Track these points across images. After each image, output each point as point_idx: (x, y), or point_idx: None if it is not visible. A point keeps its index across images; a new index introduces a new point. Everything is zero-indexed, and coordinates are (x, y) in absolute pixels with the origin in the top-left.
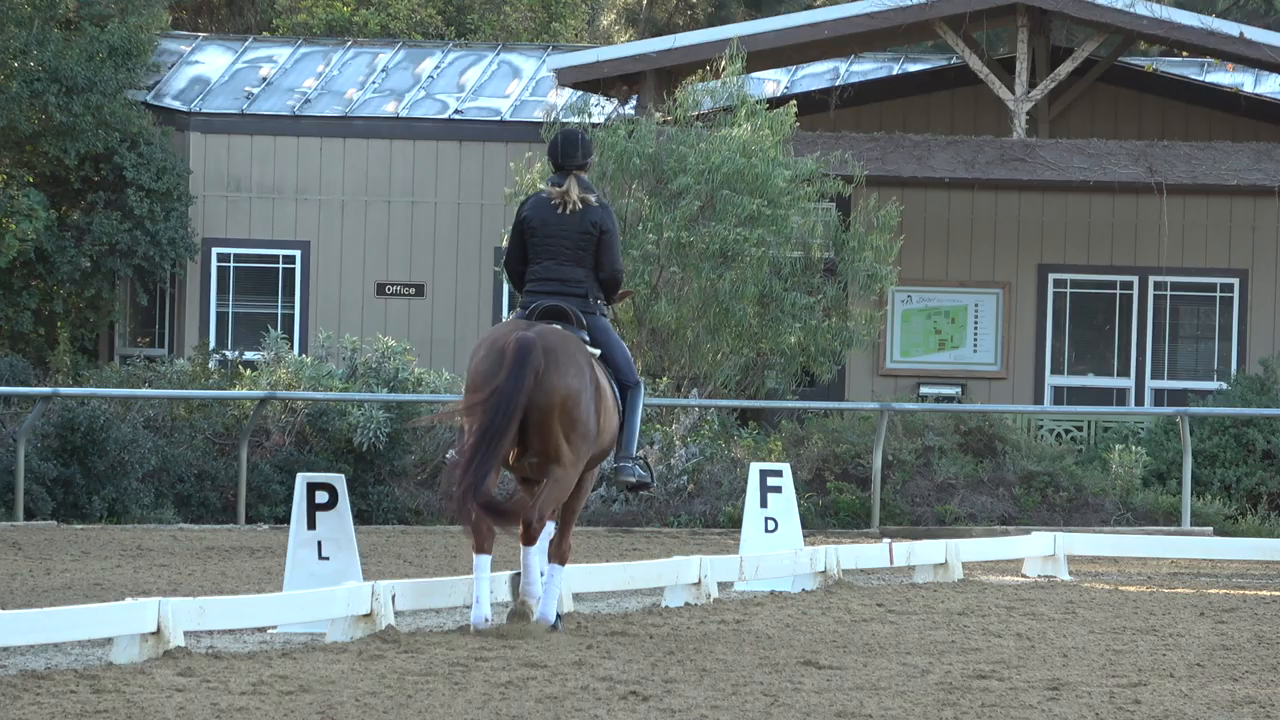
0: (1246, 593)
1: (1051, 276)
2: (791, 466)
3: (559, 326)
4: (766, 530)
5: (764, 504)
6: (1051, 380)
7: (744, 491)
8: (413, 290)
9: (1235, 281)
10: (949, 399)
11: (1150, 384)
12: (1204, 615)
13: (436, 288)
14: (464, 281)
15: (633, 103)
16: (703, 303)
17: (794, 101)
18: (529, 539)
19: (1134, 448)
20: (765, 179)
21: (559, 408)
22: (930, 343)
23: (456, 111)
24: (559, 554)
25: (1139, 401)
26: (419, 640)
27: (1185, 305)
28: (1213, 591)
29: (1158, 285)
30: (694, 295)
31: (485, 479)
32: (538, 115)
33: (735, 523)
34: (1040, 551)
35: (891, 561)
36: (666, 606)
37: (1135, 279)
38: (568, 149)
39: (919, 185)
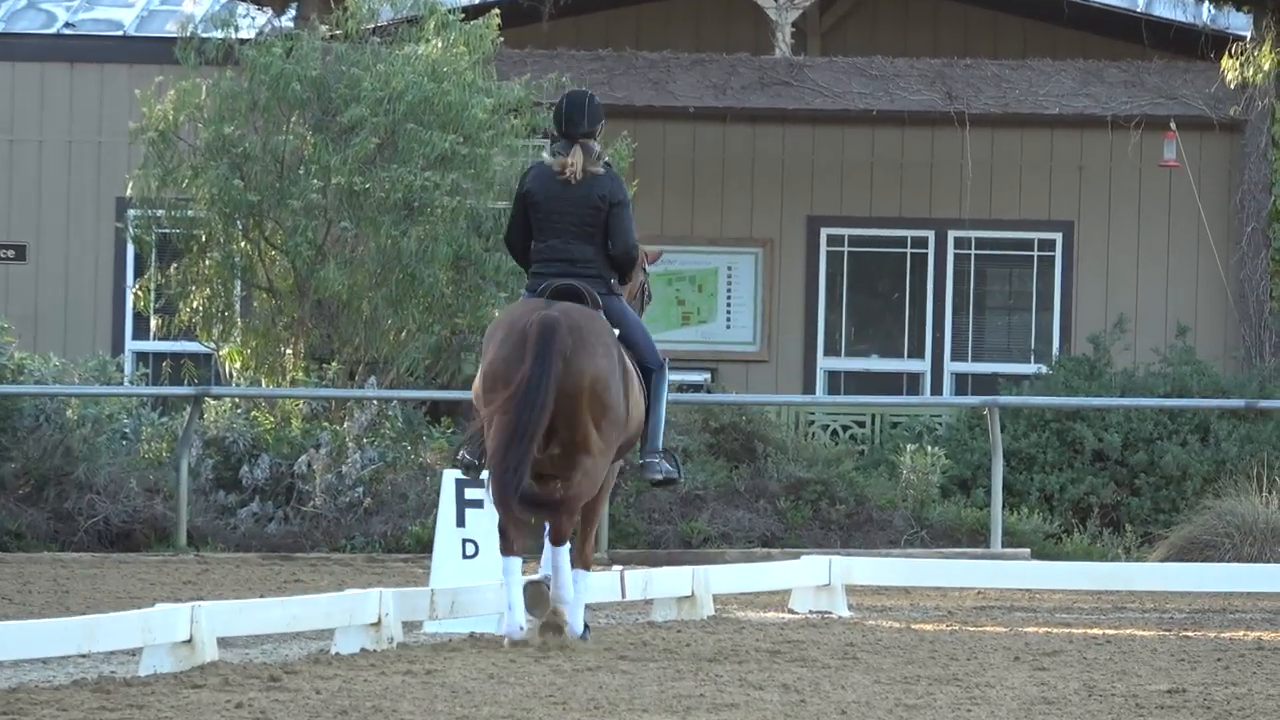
0: (1073, 631)
1: (825, 232)
2: None
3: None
4: (464, 555)
5: (461, 522)
6: (825, 364)
7: (435, 507)
8: (10, 253)
9: (1057, 237)
10: (695, 388)
11: (950, 367)
12: (1019, 660)
13: (42, 249)
14: (77, 241)
15: (291, 13)
16: (382, 267)
17: (497, 10)
18: (559, 538)
19: (930, 448)
20: (461, 110)
21: (588, 392)
22: (671, 316)
23: (67, 25)
24: (582, 559)
25: (936, 390)
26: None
27: (995, 268)
28: (1030, 630)
29: (959, 243)
30: (371, 257)
31: (523, 480)
32: (170, 29)
33: (425, 546)
34: (812, 581)
35: (623, 594)
36: (337, 653)
37: (931, 235)
38: (572, 115)
39: (657, 116)
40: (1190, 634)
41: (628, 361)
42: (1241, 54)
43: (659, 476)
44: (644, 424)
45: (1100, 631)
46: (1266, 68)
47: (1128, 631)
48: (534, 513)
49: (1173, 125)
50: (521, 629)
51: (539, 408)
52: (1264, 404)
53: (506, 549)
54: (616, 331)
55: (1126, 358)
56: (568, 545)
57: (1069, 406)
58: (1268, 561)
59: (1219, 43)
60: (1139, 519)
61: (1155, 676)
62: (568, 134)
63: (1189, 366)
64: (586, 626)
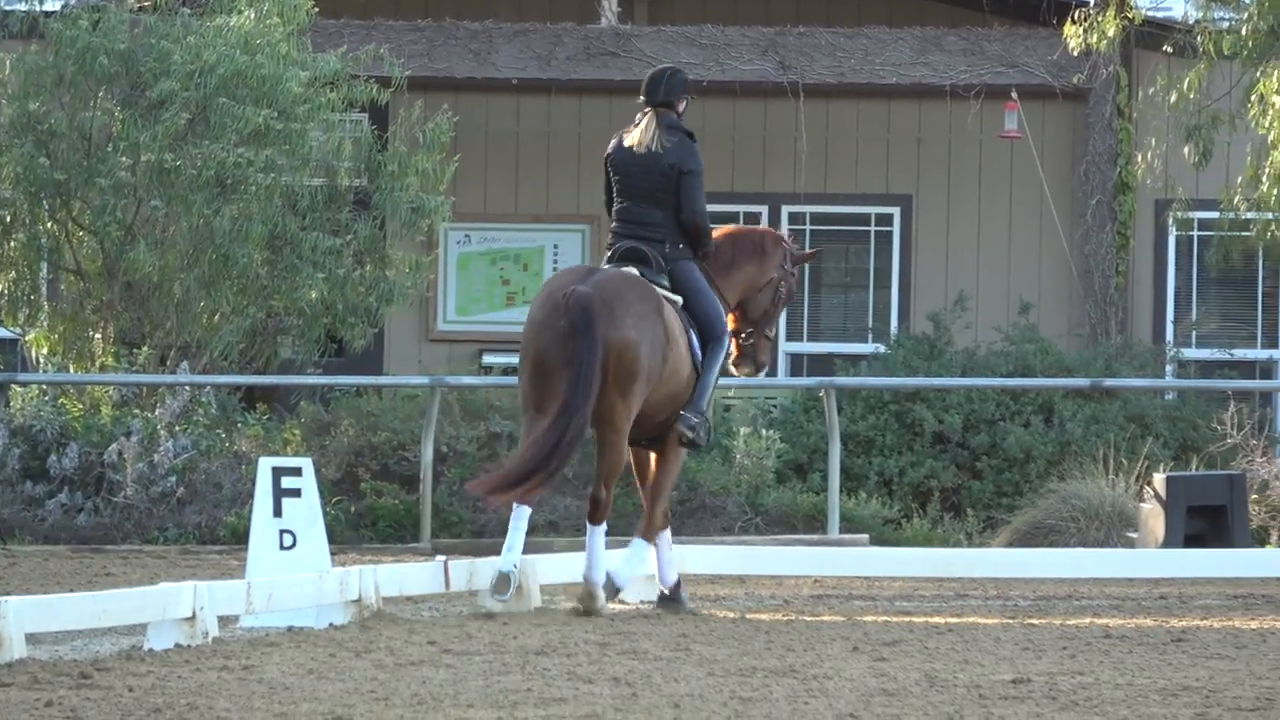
0: (914, 620)
1: None
2: (314, 462)
3: (631, 270)
4: (282, 547)
5: (278, 512)
6: None
7: (251, 496)
8: None
9: (895, 211)
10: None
11: (785, 347)
12: (858, 650)
13: None
14: None
15: None
16: (195, 247)
17: None
18: (598, 517)
19: (765, 431)
20: (275, 83)
21: (614, 364)
22: (496, 297)
23: None
24: (648, 529)
25: (771, 371)
26: None
27: (831, 243)
28: (869, 619)
29: (794, 218)
30: (183, 237)
31: (564, 465)
32: None
33: (240, 537)
34: (642, 570)
35: (448, 585)
36: (150, 649)
37: (764, 210)
38: (650, 85)
39: (479, 89)
40: (1035, 621)
41: (674, 326)
42: (1085, 20)
43: (689, 434)
44: (693, 386)
45: (942, 620)
46: (1111, 34)
47: (970, 619)
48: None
49: (1014, 95)
50: (515, 566)
51: (588, 385)
52: (1109, 383)
53: (593, 519)
54: (678, 299)
55: (967, 336)
56: (603, 526)
57: (908, 387)
58: (1114, 546)
59: (1061, 9)
60: (981, 503)
61: (999, 665)
62: (647, 103)
63: (1032, 345)
64: (670, 595)
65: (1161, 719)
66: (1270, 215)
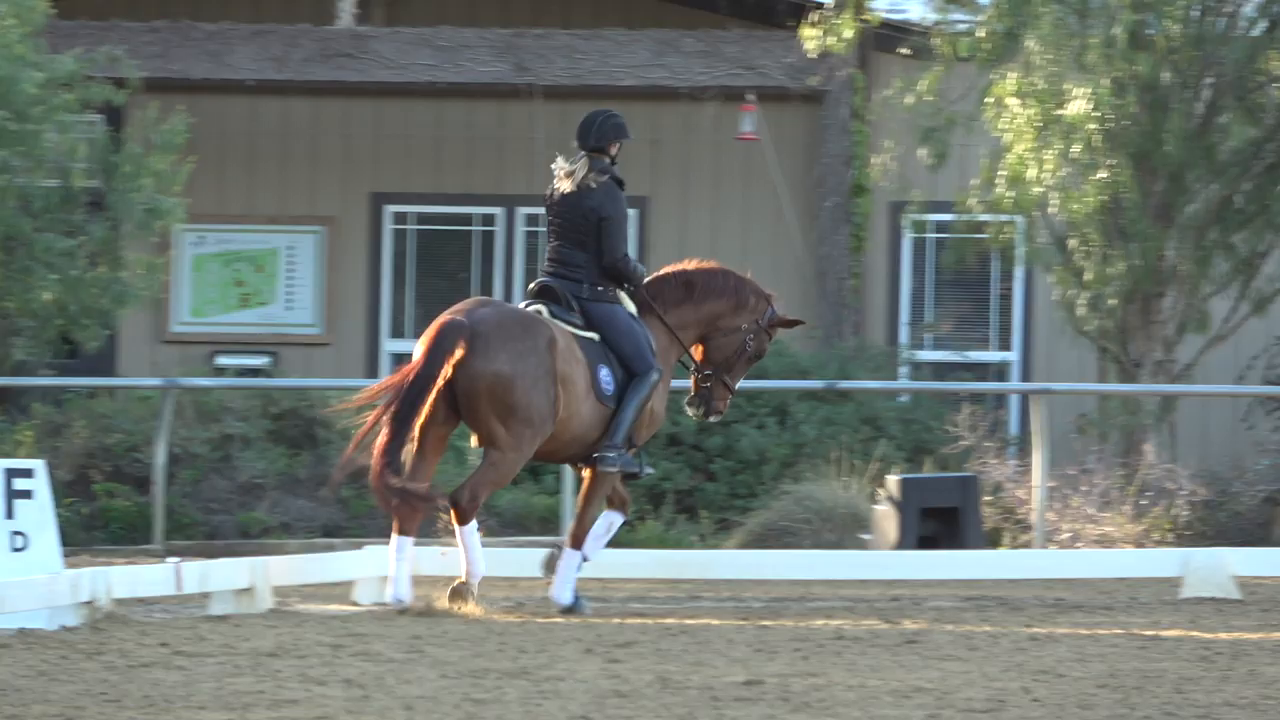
0: (647, 621)
1: (389, 209)
2: (47, 464)
3: (534, 306)
4: (13, 549)
5: (9, 514)
6: (390, 346)
7: None
8: None
9: (632, 214)
10: (255, 372)
11: None
12: (591, 652)
13: None
14: None
15: None
16: None
17: None
18: (460, 518)
19: None
20: (10, 85)
21: (484, 393)
22: (230, 298)
23: None
24: (574, 538)
25: None
26: None
27: None
28: (603, 620)
29: (530, 219)
30: None
31: (395, 462)
32: None
33: None
34: (376, 572)
35: (180, 587)
36: None
37: (501, 211)
38: (582, 130)
39: (216, 90)
40: (768, 623)
41: (569, 364)
42: (822, 22)
43: (606, 469)
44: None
45: (675, 621)
46: (848, 36)
47: (704, 621)
48: (401, 501)
49: (750, 97)
50: (400, 600)
51: (412, 402)
52: (844, 385)
53: (399, 528)
54: (593, 335)
55: None
56: (473, 524)
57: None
58: (848, 548)
59: (798, 11)
60: (715, 504)
61: (732, 667)
62: (580, 147)
63: None
64: (578, 599)
65: None
66: (1005, 218)
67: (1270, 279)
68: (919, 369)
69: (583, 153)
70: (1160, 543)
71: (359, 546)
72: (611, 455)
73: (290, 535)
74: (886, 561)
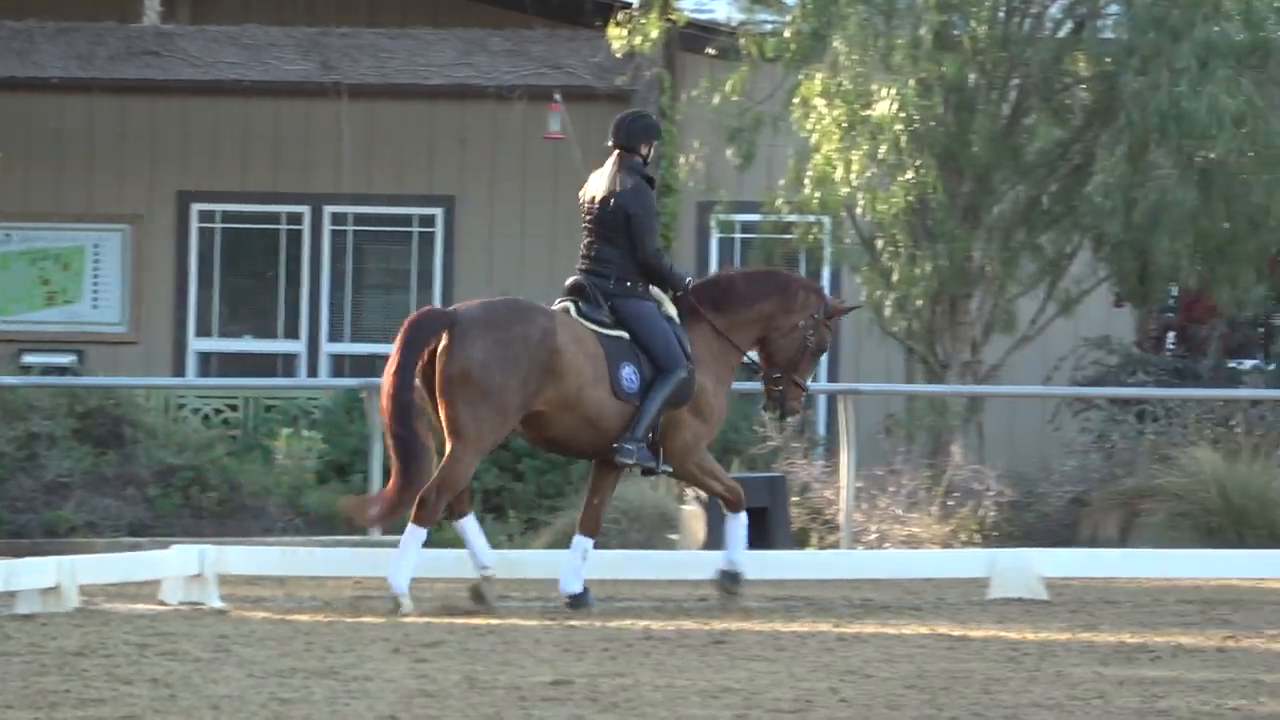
0: (455, 621)
1: (196, 208)
2: None
3: (564, 303)
4: None
5: None
6: (197, 345)
7: None
8: None
9: (439, 212)
10: (61, 370)
11: (327, 348)
12: (399, 652)
13: None
14: None
15: None
16: None
17: None
18: (421, 518)
19: (307, 432)
20: None
21: (457, 377)
22: (36, 296)
23: None
24: (584, 525)
25: (313, 371)
26: None
27: (374, 244)
28: (410, 620)
29: (337, 218)
30: None
31: (414, 470)
32: None
33: None
34: (183, 570)
35: None
36: None
37: (307, 210)
38: (614, 130)
39: (21, 88)
40: (575, 623)
41: (570, 354)
42: (628, 22)
43: (629, 461)
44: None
45: (483, 621)
46: (654, 36)
47: (511, 621)
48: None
49: (557, 96)
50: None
51: (399, 393)
52: None
53: (418, 519)
54: (623, 334)
55: None
56: (469, 517)
57: None
58: (656, 548)
59: (605, 10)
60: (524, 504)
61: (539, 667)
62: (612, 146)
63: None
64: (586, 592)
65: None
66: (812, 218)
67: (1077, 280)
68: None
69: (615, 153)
70: (967, 543)
71: (165, 546)
72: (629, 448)
73: (97, 534)
74: (694, 562)
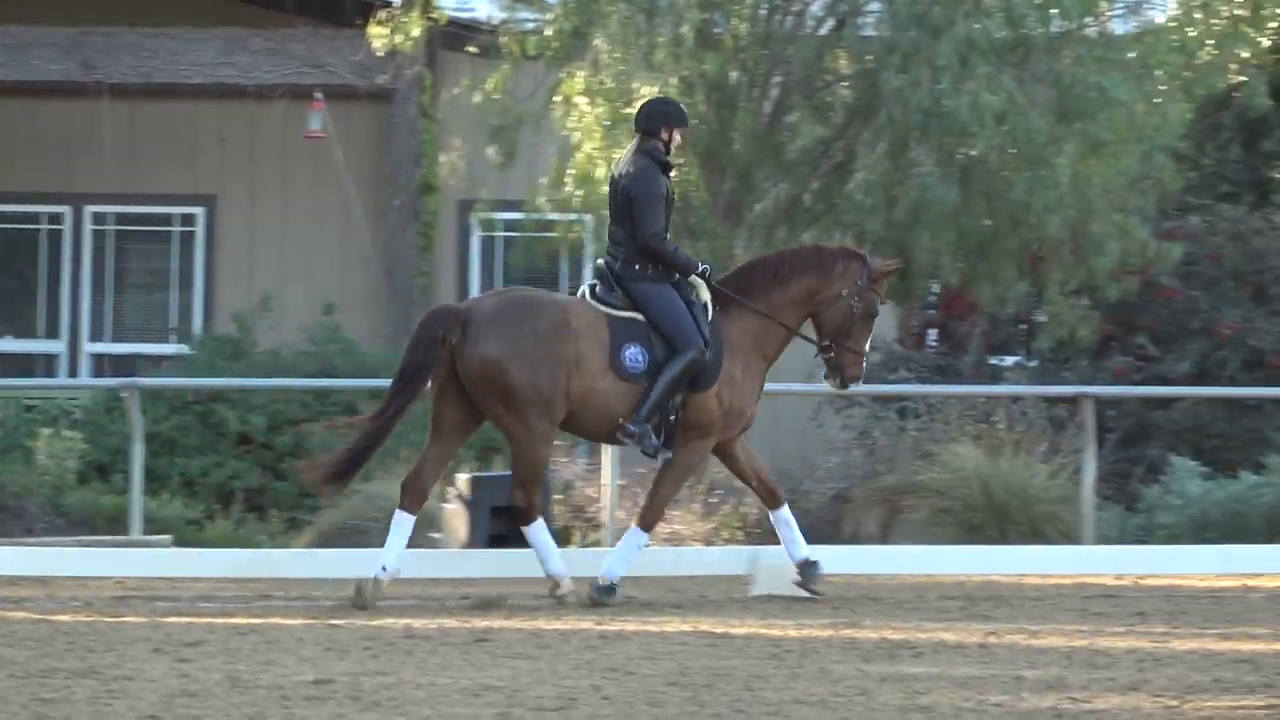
0: (216, 621)
1: None
2: None
3: (586, 286)
4: None
5: None
6: None
7: None
8: None
9: (200, 211)
10: None
11: (88, 348)
12: (161, 651)
13: None
14: None
15: None
16: None
17: None
18: (526, 518)
19: (68, 432)
20: None
21: (479, 377)
22: None
23: None
24: (643, 519)
25: (73, 371)
26: None
27: (135, 244)
28: (172, 620)
29: (98, 218)
30: None
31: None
32: None
33: None
34: None
35: None
36: None
37: (68, 210)
38: (636, 115)
39: None
40: (338, 622)
41: (580, 339)
42: (389, 20)
43: (626, 441)
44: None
45: (245, 620)
46: (416, 34)
47: (273, 620)
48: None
49: (318, 95)
50: (385, 570)
51: (404, 391)
52: None
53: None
54: (636, 315)
55: (273, 338)
56: (538, 522)
57: (211, 387)
58: (418, 546)
59: (366, 9)
60: (285, 504)
61: (301, 666)
62: (635, 130)
63: (337, 345)
64: (614, 586)
65: (464, 719)
66: (574, 216)
67: None
68: None
69: (636, 137)
70: (730, 541)
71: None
72: (631, 429)
73: None
74: (456, 560)
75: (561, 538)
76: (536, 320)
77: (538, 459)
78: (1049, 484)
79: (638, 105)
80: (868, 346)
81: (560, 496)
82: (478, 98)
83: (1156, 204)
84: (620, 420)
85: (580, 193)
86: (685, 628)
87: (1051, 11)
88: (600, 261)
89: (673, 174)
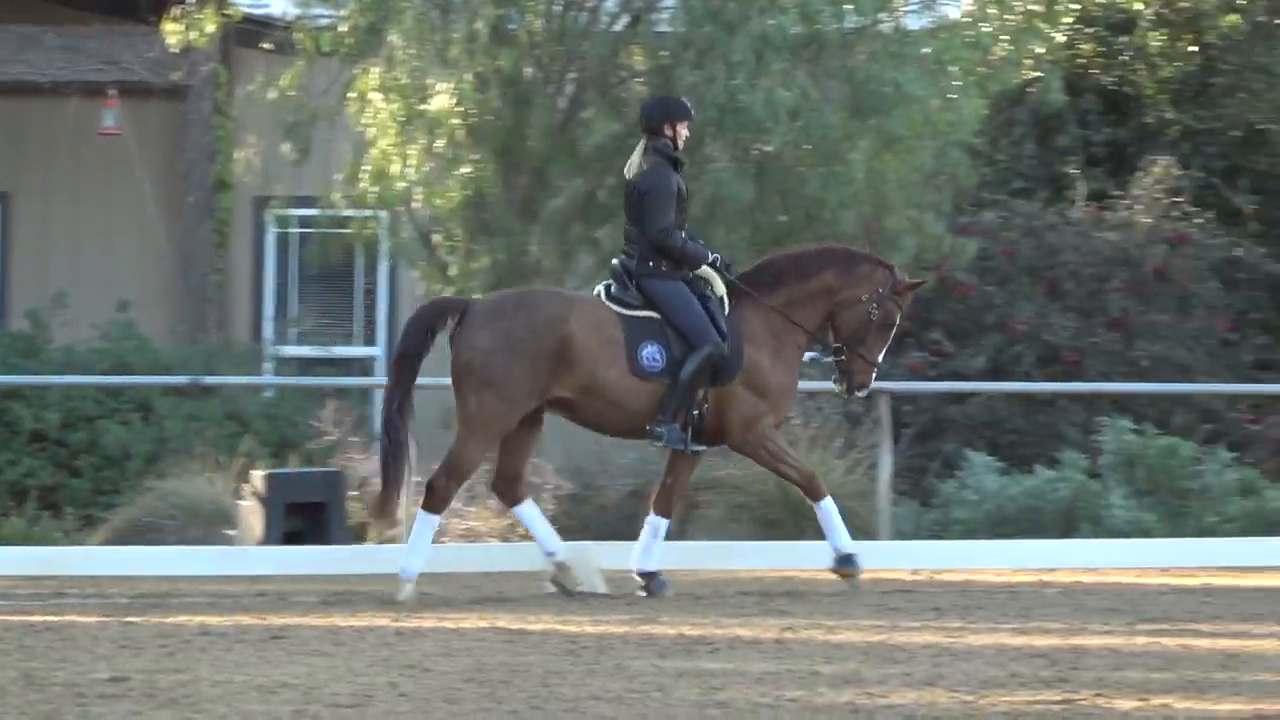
0: (10, 619)
1: None
2: None
3: (600, 286)
4: None
5: None
6: None
7: None
8: None
9: None
10: None
11: None
12: None
13: None
14: None
15: None
16: None
17: None
18: (431, 504)
19: None
20: None
21: (462, 369)
22: None
23: None
24: (656, 506)
25: None
26: None
27: None
28: None
29: None
30: None
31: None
32: None
33: None
34: None
35: None
36: None
37: None
38: (640, 114)
39: None
40: (133, 619)
41: (585, 337)
42: (184, 17)
43: (659, 443)
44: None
45: (39, 618)
46: (210, 30)
47: (68, 618)
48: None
49: (112, 92)
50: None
51: (396, 382)
52: (208, 380)
53: (427, 505)
54: (651, 314)
55: (67, 334)
56: (527, 503)
57: (5, 385)
58: (214, 543)
59: (160, 6)
60: (79, 501)
61: (96, 664)
62: (642, 130)
63: (131, 342)
64: (654, 574)
65: (260, 716)
66: (369, 213)
67: None
68: (284, 364)
69: (644, 136)
70: (526, 537)
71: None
72: (659, 430)
73: None
74: (252, 557)
75: (357, 534)
76: (533, 313)
77: (477, 452)
78: (845, 479)
79: (431, 101)
80: (880, 357)
81: (356, 493)
82: (273, 94)
83: (951, 200)
84: (643, 419)
85: (375, 189)
86: (482, 624)
87: (846, 7)
88: (615, 261)
89: (683, 169)
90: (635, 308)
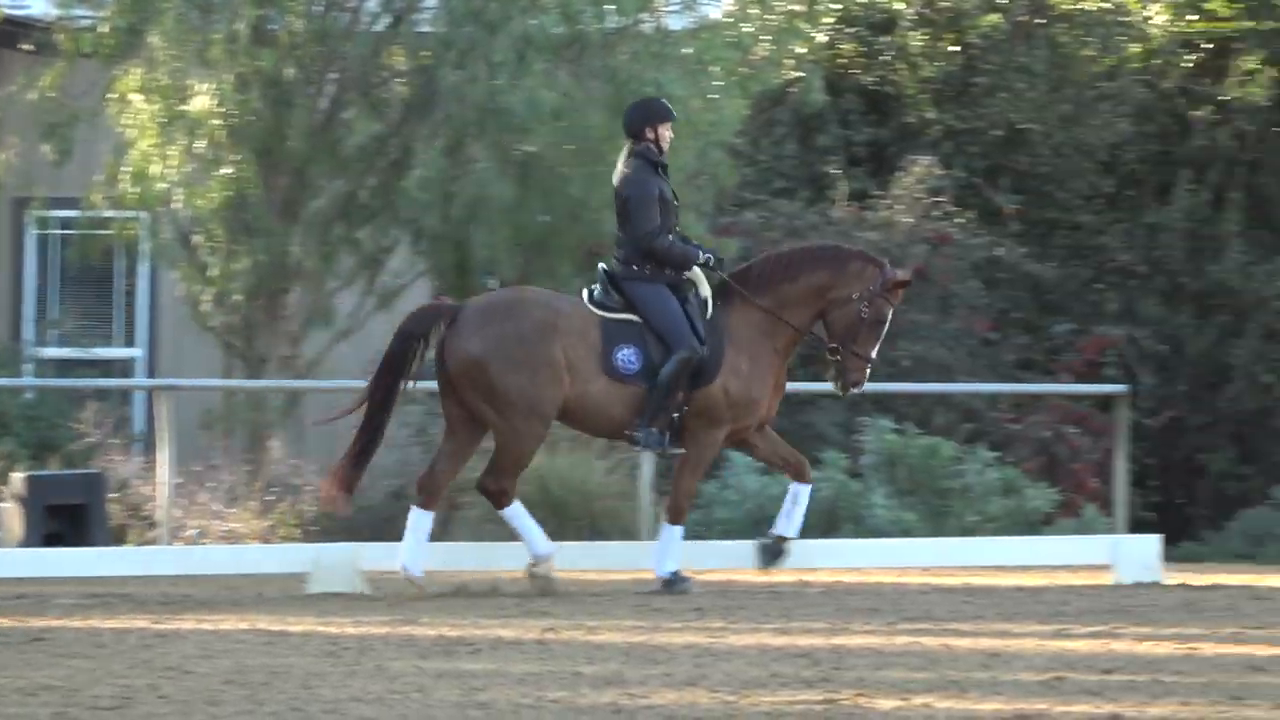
0: None
1: None
2: None
3: (586, 290)
4: None
5: None
6: None
7: None
8: None
9: None
10: None
11: None
12: None
13: None
14: None
15: None
16: None
17: None
18: (495, 504)
19: None
20: None
21: (460, 376)
22: None
23: None
24: (671, 513)
25: None
26: None
27: None
28: None
29: None
30: None
31: (359, 453)
32: None
33: None
34: None
35: None
36: None
37: None
38: (622, 120)
39: None
40: None
41: (566, 342)
42: None
43: (639, 448)
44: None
45: None
46: None
47: None
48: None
49: None
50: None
51: (378, 384)
52: None
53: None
54: (629, 317)
55: None
56: (515, 505)
57: None
58: None
59: None
60: None
61: None
62: (626, 136)
63: None
64: (675, 574)
65: (20, 719)
66: (129, 214)
67: (396, 274)
68: (43, 366)
69: (628, 142)
70: (287, 538)
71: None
72: (638, 435)
73: None
74: (11, 559)
75: (118, 536)
76: (520, 320)
77: (521, 456)
78: (607, 480)
79: (191, 102)
80: (874, 353)
81: (116, 495)
82: (33, 95)
83: (713, 200)
84: (624, 423)
85: (136, 190)
86: (242, 626)
87: (607, 7)
88: (601, 265)
89: (668, 172)
90: (614, 310)
